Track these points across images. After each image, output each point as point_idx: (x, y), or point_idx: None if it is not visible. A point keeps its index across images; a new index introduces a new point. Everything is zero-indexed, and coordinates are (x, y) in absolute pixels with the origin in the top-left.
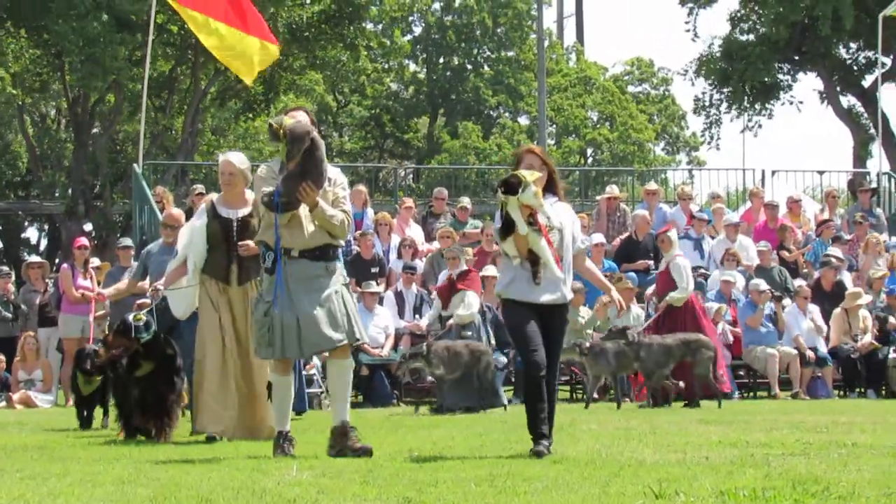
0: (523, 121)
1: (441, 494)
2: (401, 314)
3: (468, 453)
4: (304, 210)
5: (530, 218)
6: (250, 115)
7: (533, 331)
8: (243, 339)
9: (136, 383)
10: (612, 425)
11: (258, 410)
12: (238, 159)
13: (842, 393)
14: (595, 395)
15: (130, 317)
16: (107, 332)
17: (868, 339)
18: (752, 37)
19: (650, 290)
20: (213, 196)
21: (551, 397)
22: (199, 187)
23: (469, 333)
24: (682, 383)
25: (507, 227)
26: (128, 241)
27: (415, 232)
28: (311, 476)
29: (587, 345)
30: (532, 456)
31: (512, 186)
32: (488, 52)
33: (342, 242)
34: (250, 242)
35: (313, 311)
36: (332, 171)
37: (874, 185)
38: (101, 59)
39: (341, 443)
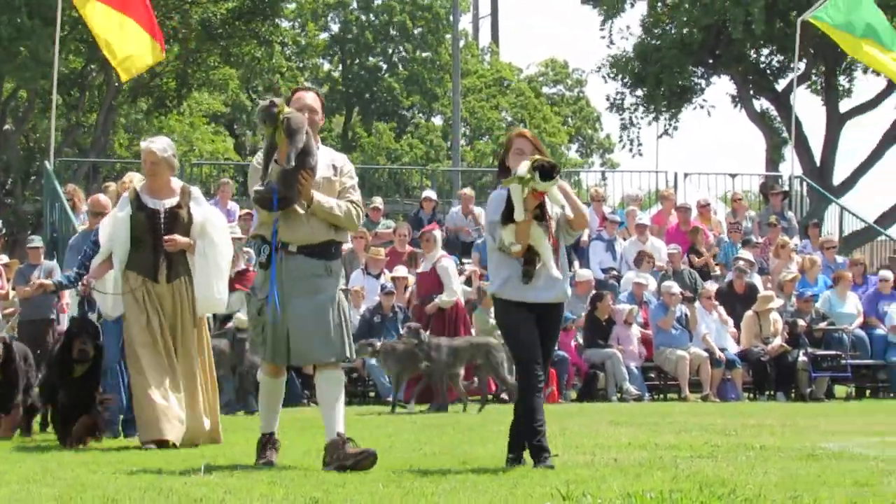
0: (437, 121)
1: (348, 495)
2: None
3: (378, 454)
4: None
5: (537, 210)
6: (162, 112)
7: (532, 339)
8: (179, 341)
9: (70, 385)
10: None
11: (196, 415)
12: (160, 146)
13: (752, 395)
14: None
15: (93, 318)
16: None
17: (778, 341)
18: (660, 42)
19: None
20: (137, 183)
21: (535, 409)
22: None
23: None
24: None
25: (511, 213)
26: (37, 241)
27: None
28: (218, 476)
29: (378, 344)
30: (541, 466)
31: (546, 172)
32: (404, 53)
33: (347, 238)
34: (177, 236)
35: (306, 320)
36: (339, 160)
37: (786, 188)
38: (35, 52)
39: (340, 454)
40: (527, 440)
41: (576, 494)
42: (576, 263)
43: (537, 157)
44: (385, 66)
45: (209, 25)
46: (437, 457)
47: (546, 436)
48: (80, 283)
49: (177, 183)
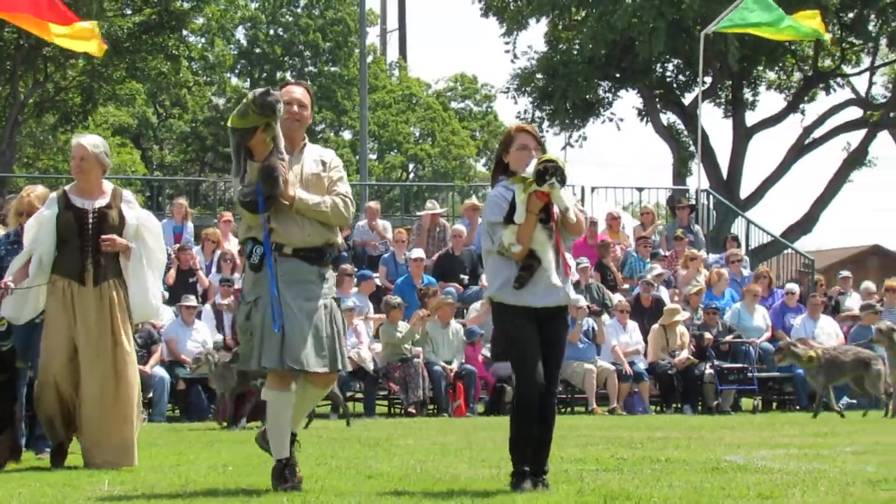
0: (347, 135)
1: None
2: (219, 328)
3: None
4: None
5: (542, 213)
6: (68, 128)
7: (532, 345)
8: (101, 349)
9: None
10: (428, 440)
11: (118, 433)
12: (91, 142)
13: (658, 408)
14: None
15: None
16: None
17: (685, 354)
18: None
19: None
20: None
21: (550, 419)
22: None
23: None
24: None
25: (514, 213)
26: None
27: (234, 246)
28: (122, 490)
29: (216, 359)
30: (516, 490)
31: (541, 175)
32: (311, 67)
33: (341, 241)
34: (115, 237)
35: (302, 325)
36: (327, 155)
37: (693, 201)
38: None
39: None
40: (511, 453)
41: None
42: (483, 277)
43: (545, 157)
44: (293, 81)
45: (116, 40)
46: (342, 471)
47: (532, 456)
48: None
49: (108, 184)
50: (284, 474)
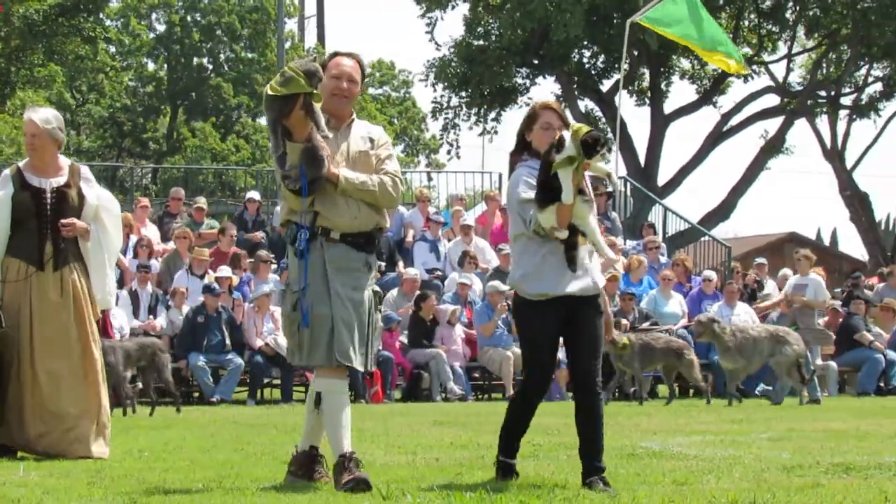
0: (264, 122)
1: (168, 496)
2: (135, 314)
3: (199, 453)
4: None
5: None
6: None
7: (551, 344)
8: (63, 338)
9: None
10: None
11: (69, 424)
12: (42, 117)
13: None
14: None
15: None
16: None
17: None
18: (484, 42)
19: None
20: (20, 162)
21: (599, 412)
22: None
23: None
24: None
25: (550, 194)
26: None
27: (151, 232)
28: (38, 476)
29: (107, 343)
30: (501, 477)
31: (590, 147)
32: (230, 53)
33: (387, 225)
34: (75, 220)
35: (349, 316)
36: (375, 132)
37: (610, 189)
38: None
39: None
40: (501, 447)
41: (396, 494)
42: (400, 263)
43: (581, 128)
44: (211, 67)
45: (31, 23)
46: (258, 457)
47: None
48: None
49: (65, 161)
50: (349, 468)
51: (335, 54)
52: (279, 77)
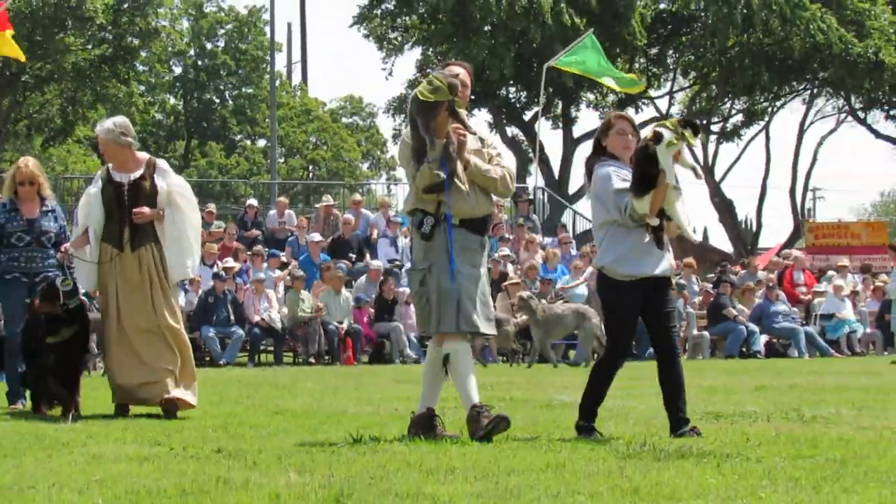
0: (259, 143)
1: (185, 439)
2: None
3: (210, 406)
4: (460, 172)
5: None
6: (53, 144)
7: (632, 321)
8: (140, 306)
9: (52, 350)
10: (324, 384)
11: (160, 377)
12: (105, 128)
13: (504, 359)
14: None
15: (58, 280)
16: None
17: (525, 317)
18: None
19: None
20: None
21: (681, 370)
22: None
23: None
24: None
25: (646, 184)
26: None
27: None
28: (83, 424)
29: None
30: (584, 434)
31: (686, 126)
32: (232, 88)
33: (495, 211)
34: (145, 208)
35: (470, 290)
36: (483, 132)
37: (531, 197)
38: None
39: (477, 425)
40: (584, 409)
41: (364, 437)
42: (367, 256)
43: (672, 118)
44: (217, 101)
45: (80, 69)
46: (255, 409)
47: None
48: (59, 253)
49: (143, 156)
50: (484, 414)
51: (448, 63)
52: (427, 85)
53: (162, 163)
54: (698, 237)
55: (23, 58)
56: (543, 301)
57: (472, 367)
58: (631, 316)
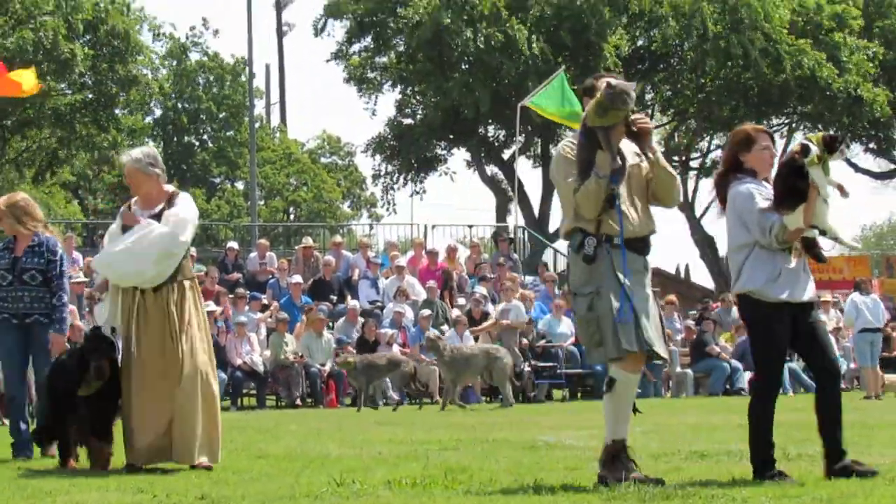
0: (240, 185)
1: (168, 486)
2: None
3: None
4: (624, 190)
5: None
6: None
7: (785, 342)
8: (160, 353)
9: (86, 402)
10: (307, 427)
11: (181, 431)
12: (133, 157)
13: (488, 399)
14: None
15: (107, 327)
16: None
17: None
18: (412, 120)
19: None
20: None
21: (841, 399)
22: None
23: None
24: None
25: (796, 198)
26: None
27: None
28: (64, 471)
29: None
30: (778, 480)
31: (831, 143)
32: (212, 132)
33: (656, 230)
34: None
35: (643, 311)
36: (637, 147)
37: (511, 236)
38: None
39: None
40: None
41: (347, 481)
42: (348, 297)
43: (819, 133)
44: (198, 144)
45: (60, 114)
46: (238, 453)
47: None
48: (85, 296)
49: (169, 188)
50: (620, 458)
51: (600, 75)
52: (597, 108)
53: (183, 196)
54: (858, 244)
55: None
56: (450, 342)
57: (632, 401)
58: (784, 344)
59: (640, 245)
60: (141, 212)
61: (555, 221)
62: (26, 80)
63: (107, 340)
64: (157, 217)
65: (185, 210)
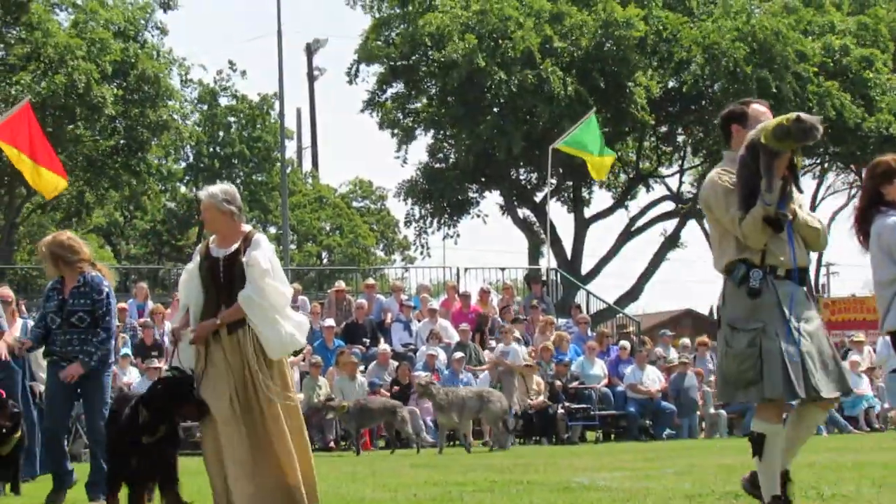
0: (272, 230)
1: None
2: None
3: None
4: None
5: None
6: (69, 226)
7: None
8: (246, 395)
9: (149, 451)
10: (341, 469)
11: (284, 472)
12: (210, 193)
13: (521, 441)
14: None
15: (188, 368)
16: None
17: (541, 398)
18: (444, 165)
19: None
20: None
21: None
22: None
23: None
24: None
25: None
26: None
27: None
28: None
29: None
30: None
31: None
32: (244, 176)
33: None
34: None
35: (808, 349)
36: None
37: (544, 278)
38: None
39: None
40: None
41: None
42: (380, 340)
43: None
44: None
45: (93, 159)
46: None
47: None
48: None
49: (246, 228)
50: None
51: (747, 101)
52: (776, 129)
53: (258, 236)
54: None
55: (63, 185)
56: (455, 386)
57: (781, 452)
58: None
59: (801, 274)
60: (217, 249)
61: (587, 263)
62: (58, 184)
63: (189, 382)
64: (234, 256)
65: (256, 258)
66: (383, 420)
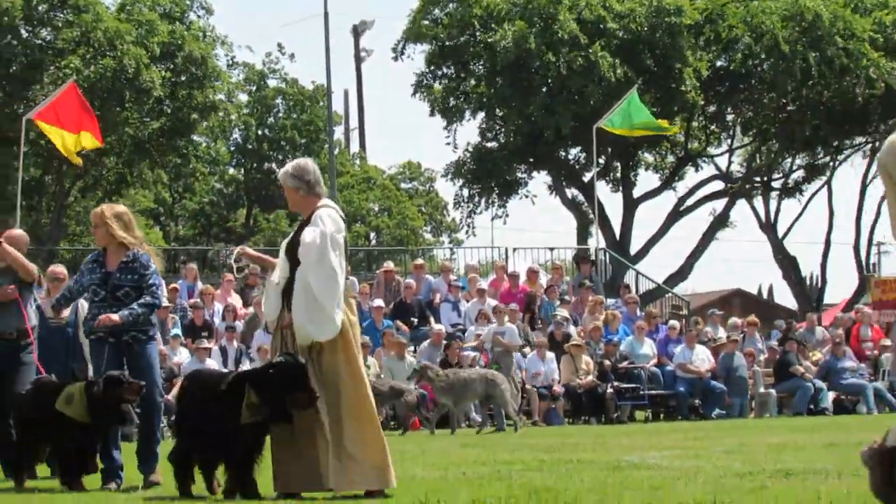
0: None
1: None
2: (224, 364)
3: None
4: None
5: None
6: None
7: None
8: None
9: (245, 432)
10: (391, 448)
11: (349, 460)
12: (285, 169)
13: (570, 420)
14: None
15: (271, 325)
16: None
17: (590, 378)
18: (495, 144)
19: None
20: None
21: None
22: None
23: None
24: None
25: None
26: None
27: (235, 300)
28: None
29: None
30: None
31: None
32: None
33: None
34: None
35: None
36: None
37: (593, 258)
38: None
39: None
40: None
41: (433, 502)
42: (431, 320)
43: None
44: (278, 170)
45: (140, 140)
46: None
47: None
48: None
49: (315, 203)
50: None
51: None
52: None
53: (319, 212)
54: None
55: (99, 143)
56: (452, 370)
57: None
58: None
59: None
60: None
61: (636, 243)
62: (88, 142)
63: (303, 369)
64: (298, 234)
65: (309, 241)
66: (393, 401)
